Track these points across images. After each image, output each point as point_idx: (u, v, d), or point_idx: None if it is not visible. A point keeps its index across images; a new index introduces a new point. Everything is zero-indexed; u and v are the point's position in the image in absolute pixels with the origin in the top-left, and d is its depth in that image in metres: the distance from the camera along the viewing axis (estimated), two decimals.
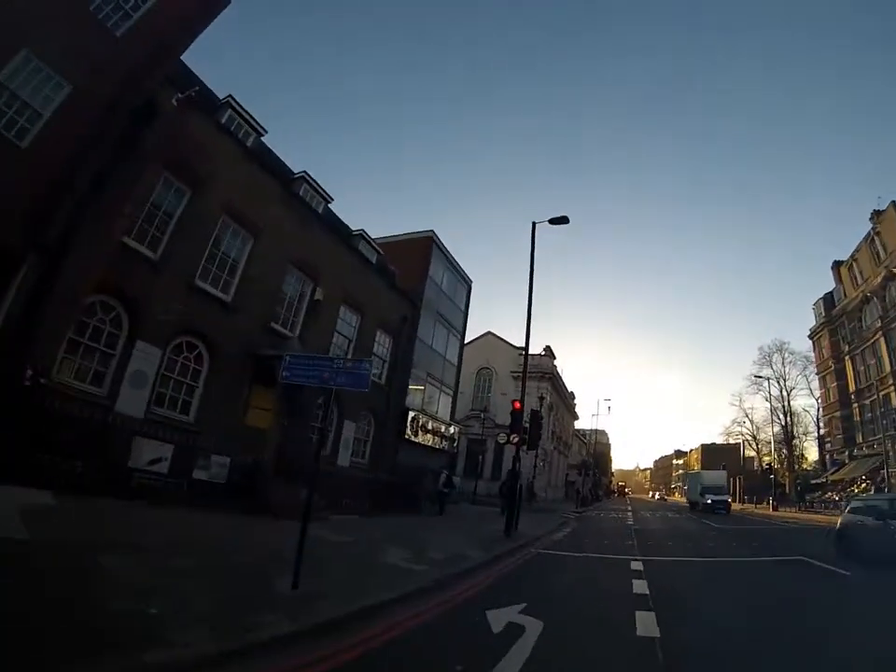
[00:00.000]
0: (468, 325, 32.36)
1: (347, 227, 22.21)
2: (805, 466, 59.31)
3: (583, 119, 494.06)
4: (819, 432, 52.91)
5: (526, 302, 16.30)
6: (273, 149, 18.70)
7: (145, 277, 12.09)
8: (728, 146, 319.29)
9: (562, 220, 16.47)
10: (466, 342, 33.72)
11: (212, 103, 15.48)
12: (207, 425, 13.25)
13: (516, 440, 16.23)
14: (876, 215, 38.88)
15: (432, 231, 27.62)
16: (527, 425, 17.15)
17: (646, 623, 5.96)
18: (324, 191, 19.35)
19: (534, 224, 16.86)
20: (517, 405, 16.22)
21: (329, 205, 20.13)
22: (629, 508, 52.33)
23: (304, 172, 18.64)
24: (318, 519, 12.03)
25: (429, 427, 25.54)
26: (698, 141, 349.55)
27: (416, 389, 25.31)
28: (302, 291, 17.29)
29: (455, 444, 29.68)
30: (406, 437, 23.19)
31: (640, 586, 8.54)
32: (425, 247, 26.97)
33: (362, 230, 22.47)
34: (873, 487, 35.39)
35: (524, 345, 16.46)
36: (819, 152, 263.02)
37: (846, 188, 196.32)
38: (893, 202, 36.64)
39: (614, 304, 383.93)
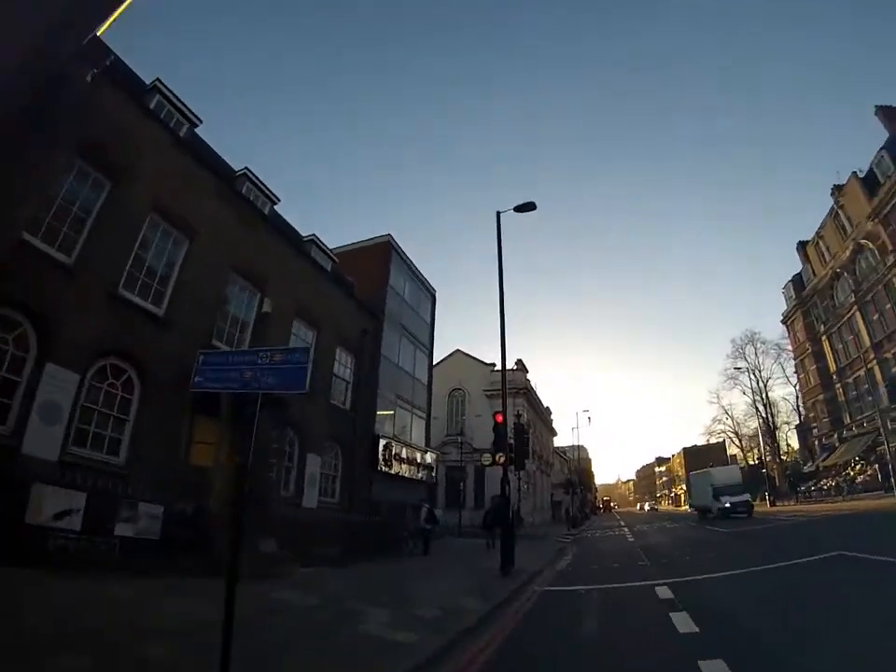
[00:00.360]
0: (435, 342, 30.88)
1: (297, 232, 20.51)
2: (789, 456, 59.12)
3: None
4: (800, 419, 52.81)
5: (498, 306, 15.00)
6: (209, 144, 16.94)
7: (56, 286, 10.05)
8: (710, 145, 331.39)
9: (528, 207, 15.47)
10: (435, 362, 32.20)
11: (138, 86, 13.66)
12: (139, 466, 11.05)
13: (503, 459, 14.54)
14: (837, 189, 38.96)
15: (389, 234, 26.23)
16: (511, 442, 15.74)
17: None
18: (269, 191, 17.64)
19: (498, 214, 15.76)
20: (499, 418, 14.67)
21: (275, 207, 18.39)
22: (622, 523, 51.02)
23: (246, 168, 16.91)
24: (278, 576, 10.04)
25: (404, 455, 23.63)
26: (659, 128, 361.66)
27: (386, 414, 23.45)
28: (248, 303, 15.38)
29: (433, 474, 27.67)
30: (379, 468, 21.19)
31: (683, 622, 6.92)
32: (383, 253, 25.49)
33: (314, 234, 20.88)
34: (873, 467, 34.84)
35: (497, 356, 15.01)
36: (771, 141, 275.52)
37: (804, 174, 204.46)
38: (854, 172, 36.63)
39: (582, 319, 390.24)
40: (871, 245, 34.97)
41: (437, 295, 31.22)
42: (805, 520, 24.55)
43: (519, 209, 15.28)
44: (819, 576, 9.98)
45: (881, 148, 33.62)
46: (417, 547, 18.39)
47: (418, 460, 25.07)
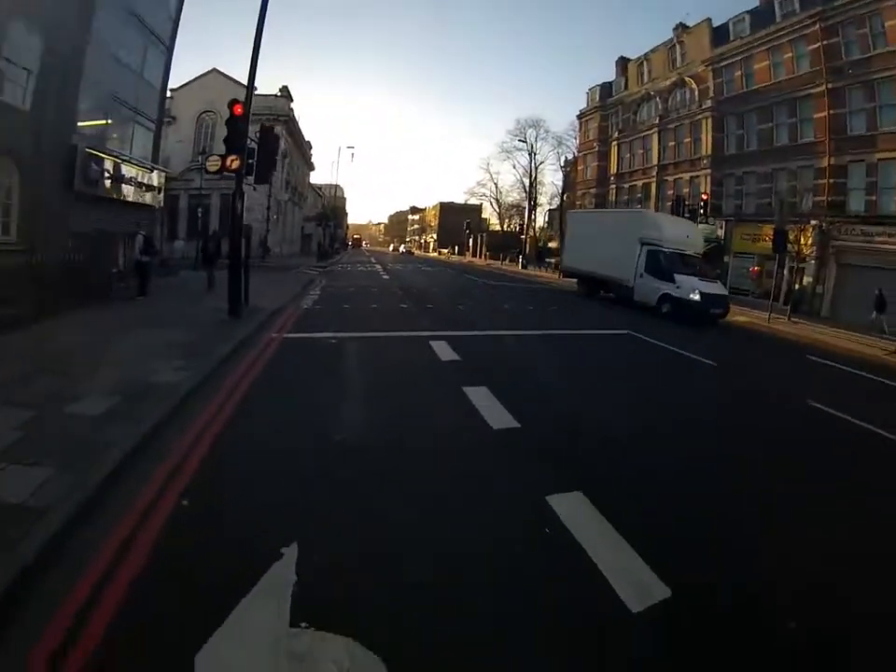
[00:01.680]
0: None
1: None
2: (543, 232, 70.16)
3: None
4: (561, 204, 59.09)
5: None
6: None
7: None
8: None
9: None
10: (185, 81, 25.90)
11: None
12: None
13: (235, 164, 11.18)
14: (683, 27, 40.77)
15: None
16: (254, 146, 12.38)
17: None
18: None
19: None
20: (239, 108, 11.17)
21: None
22: (372, 260, 53.69)
23: None
24: None
25: (118, 172, 19.12)
26: None
27: (96, 124, 18.28)
28: None
29: (160, 196, 23.37)
30: (80, 189, 16.85)
31: (492, 411, 5.96)
32: None
33: None
34: None
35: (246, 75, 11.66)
36: None
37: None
38: (709, 18, 38.33)
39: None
40: (694, 85, 38.08)
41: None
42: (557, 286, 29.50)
43: None
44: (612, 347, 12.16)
45: (746, 11, 35.08)
46: (132, 288, 15.48)
47: (139, 179, 20.76)
